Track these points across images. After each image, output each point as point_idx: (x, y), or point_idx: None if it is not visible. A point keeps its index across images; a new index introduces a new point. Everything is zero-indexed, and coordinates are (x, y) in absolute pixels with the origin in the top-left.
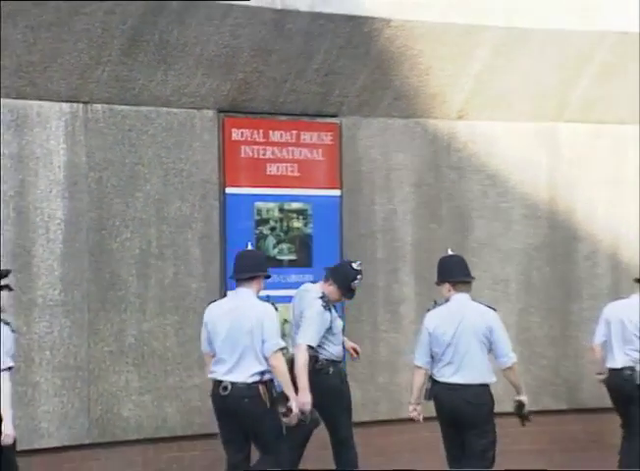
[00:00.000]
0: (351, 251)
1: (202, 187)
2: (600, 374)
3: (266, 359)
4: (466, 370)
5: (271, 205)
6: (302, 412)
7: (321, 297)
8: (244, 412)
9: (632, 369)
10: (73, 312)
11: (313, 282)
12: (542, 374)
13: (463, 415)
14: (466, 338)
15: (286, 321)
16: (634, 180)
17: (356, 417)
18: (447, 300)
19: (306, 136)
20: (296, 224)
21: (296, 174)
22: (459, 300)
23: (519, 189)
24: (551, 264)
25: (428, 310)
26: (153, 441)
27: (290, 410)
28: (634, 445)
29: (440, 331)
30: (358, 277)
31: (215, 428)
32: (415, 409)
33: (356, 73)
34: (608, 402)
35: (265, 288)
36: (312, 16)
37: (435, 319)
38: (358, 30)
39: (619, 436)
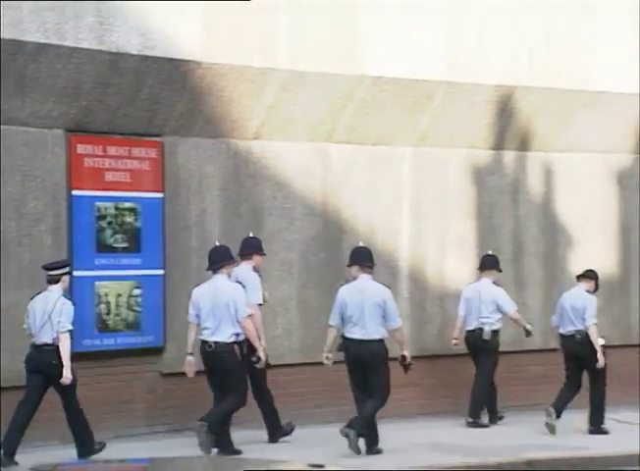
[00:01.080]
0: (172, 241)
1: (53, 190)
2: (455, 339)
3: (239, 323)
4: (366, 329)
5: (108, 204)
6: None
7: (253, 269)
8: (222, 363)
9: (481, 329)
10: None
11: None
12: (315, 334)
13: (366, 361)
14: (367, 306)
15: (120, 295)
16: (385, 187)
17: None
18: (354, 279)
19: (136, 151)
20: (128, 219)
21: (128, 180)
22: (364, 279)
23: (300, 194)
24: (324, 251)
25: (341, 285)
26: (5, 389)
27: (259, 358)
28: (482, 381)
29: (348, 300)
30: (259, 239)
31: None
32: (327, 358)
33: (175, 102)
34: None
35: (116, 269)
36: (141, 58)
37: (345, 291)
38: (177, 70)
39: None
